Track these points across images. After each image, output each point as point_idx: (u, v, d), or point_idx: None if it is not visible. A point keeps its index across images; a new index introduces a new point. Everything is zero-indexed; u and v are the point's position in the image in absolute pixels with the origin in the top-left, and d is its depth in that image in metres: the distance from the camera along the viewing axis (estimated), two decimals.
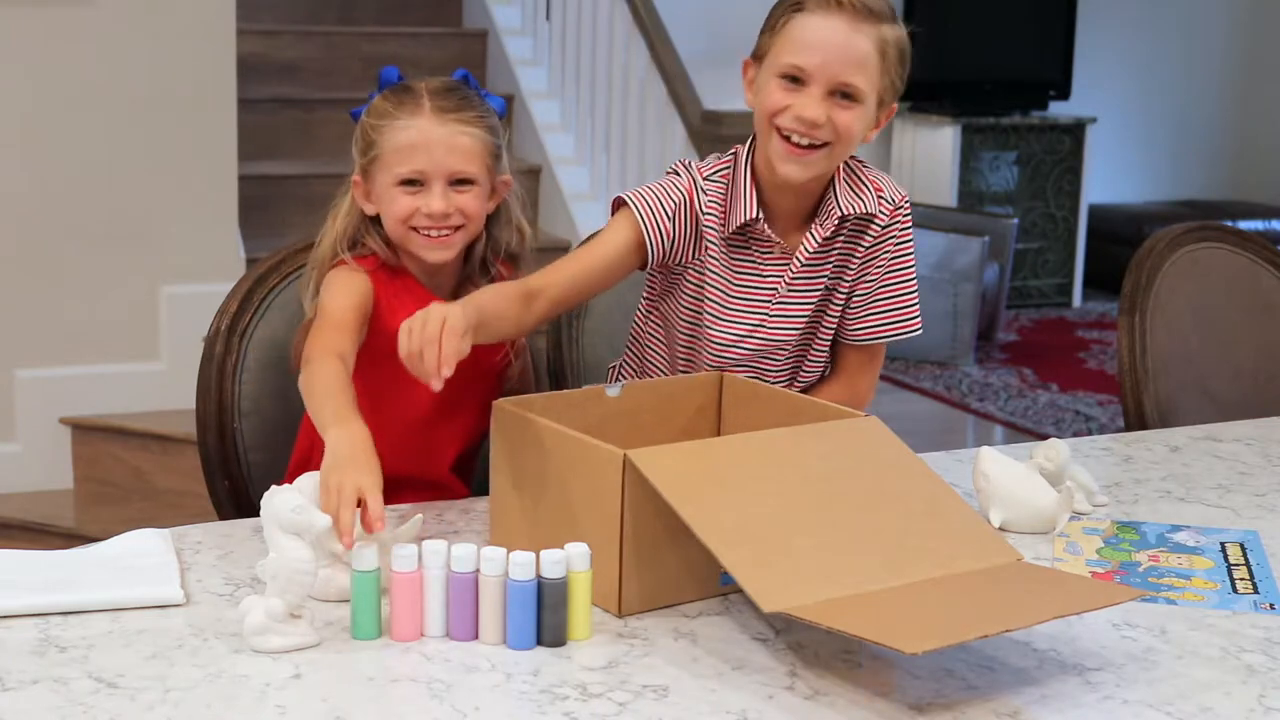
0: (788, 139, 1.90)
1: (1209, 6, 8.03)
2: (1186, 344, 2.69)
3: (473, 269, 2.04)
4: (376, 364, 1.92)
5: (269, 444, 2.16)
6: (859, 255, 2.01)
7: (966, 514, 1.66)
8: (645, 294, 2.13)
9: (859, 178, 2.01)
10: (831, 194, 1.97)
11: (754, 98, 1.94)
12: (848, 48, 1.87)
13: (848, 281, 2.02)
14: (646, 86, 4.80)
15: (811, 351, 2.07)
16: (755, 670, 1.47)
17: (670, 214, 1.97)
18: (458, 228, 1.96)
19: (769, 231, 1.97)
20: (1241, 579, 1.76)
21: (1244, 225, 6.56)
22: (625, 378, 2.16)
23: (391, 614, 1.52)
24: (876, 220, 2.00)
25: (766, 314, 2.01)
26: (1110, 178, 7.86)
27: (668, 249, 1.98)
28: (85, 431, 3.94)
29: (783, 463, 1.64)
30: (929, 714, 1.39)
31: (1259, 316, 2.78)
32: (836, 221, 1.97)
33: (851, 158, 2.01)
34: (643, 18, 4.74)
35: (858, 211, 1.98)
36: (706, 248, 1.98)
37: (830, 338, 2.07)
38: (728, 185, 1.98)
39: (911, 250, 2.05)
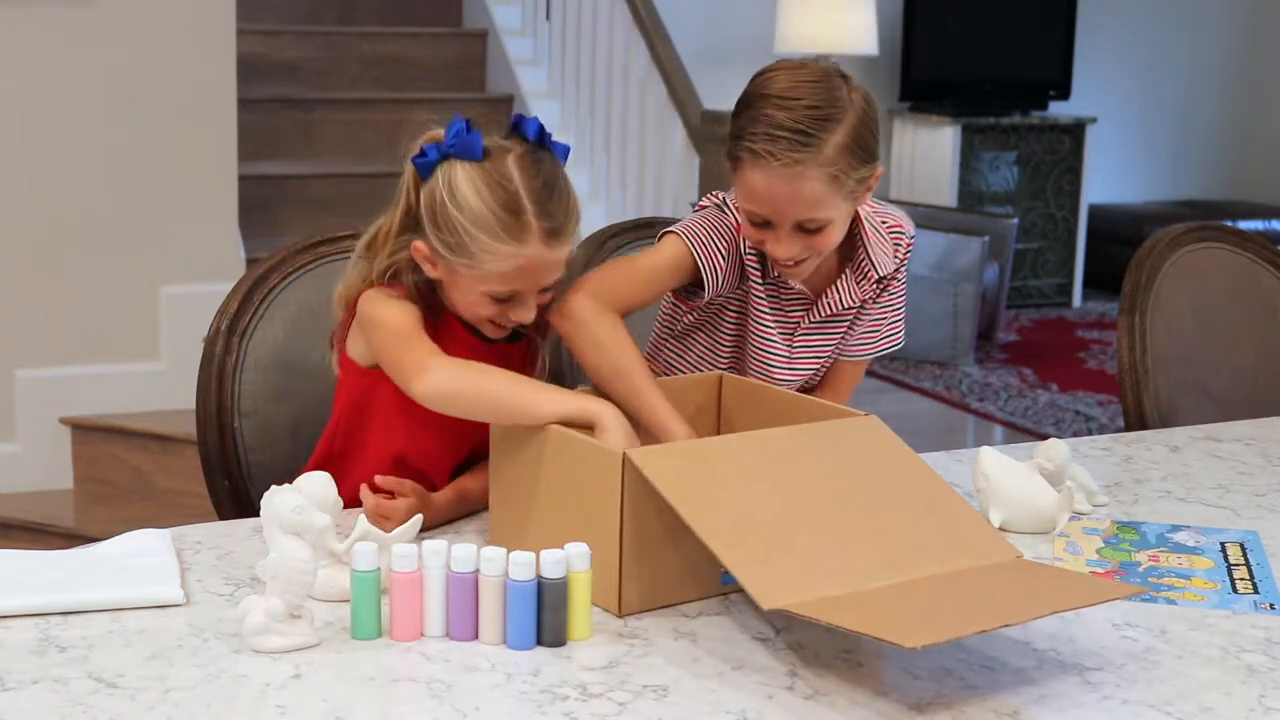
0: (777, 260, 1.94)
1: (1209, 6, 8.04)
2: (1186, 344, 2.69)
3: None
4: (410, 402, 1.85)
5: (269, 444, 2.16)
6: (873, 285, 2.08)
7: (966, 512, 1.66)
8: (666, 323, 2.14)
9: (879, 231, 2.03)
10: (865, 253, 2.01)
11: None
12: (796, 197, 1.86)
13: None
14: (646, 86, 4.80)
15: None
16: (755, 670, 1.47)
17: (725, 252, 1.98)
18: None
19: (798, 284, 2.02)
20: (1241, 579, 1.76)
21: (1244, 225, 6.56)
22: None
23: (391, 614, 1.52)
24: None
25: (790, 350, 2.06)
26: (1110, 178, 7.86)
27: (720, 286, 2.00)
28: (85, 431, 3.95)
29: (782, 462, 1.64)
30: (929, 714, 1.39)
31: (1259, 316, 2.78)
32: (875, 285, 2.05)
33: (870, 208, 2.02)
34: (643, 18, 4.74)
35: (889, 272, 2.05)
36: (750, 284, 2.01)
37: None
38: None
39: (905, 272, 2.11)
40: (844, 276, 2.04)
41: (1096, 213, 7.59)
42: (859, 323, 2.10)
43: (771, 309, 2.04)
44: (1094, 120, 7.42)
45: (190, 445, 3.41)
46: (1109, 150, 7.79)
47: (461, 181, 1.79)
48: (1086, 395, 5.82)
